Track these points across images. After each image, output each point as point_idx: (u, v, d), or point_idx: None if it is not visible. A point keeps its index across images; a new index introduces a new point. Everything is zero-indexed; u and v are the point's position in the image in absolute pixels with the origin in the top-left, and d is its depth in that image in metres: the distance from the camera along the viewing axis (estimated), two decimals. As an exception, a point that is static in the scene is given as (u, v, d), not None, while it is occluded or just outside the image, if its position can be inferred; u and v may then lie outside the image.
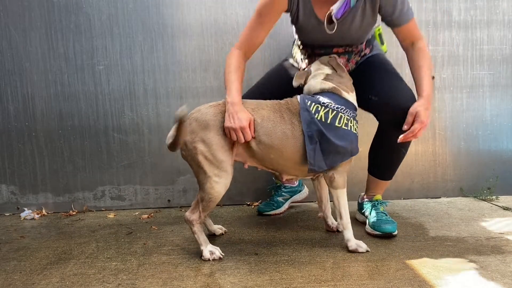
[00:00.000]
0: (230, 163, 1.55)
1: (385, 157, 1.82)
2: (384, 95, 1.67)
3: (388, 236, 1.72)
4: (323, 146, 1.54)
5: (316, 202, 1.87)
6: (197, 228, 1.56)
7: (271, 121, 1.57)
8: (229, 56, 1.70)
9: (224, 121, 1.53)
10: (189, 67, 2.33)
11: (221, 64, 2.32)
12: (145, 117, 2.33)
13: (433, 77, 2.39)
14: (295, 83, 1.72)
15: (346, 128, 1.55)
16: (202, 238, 1.57)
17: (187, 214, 1.58)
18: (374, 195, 1.90)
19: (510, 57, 2.42)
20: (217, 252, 1.55)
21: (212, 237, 1.81)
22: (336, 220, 1.82)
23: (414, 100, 1.62)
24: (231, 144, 1.56)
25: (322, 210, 1.82)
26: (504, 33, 2.40)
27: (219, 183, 1.52)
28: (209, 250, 1.55)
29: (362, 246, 1.58)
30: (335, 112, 1.55)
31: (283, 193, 2.19)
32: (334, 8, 1.61)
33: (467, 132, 2.44)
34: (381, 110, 1.70)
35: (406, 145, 1.76)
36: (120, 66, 2.30)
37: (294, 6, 1.67)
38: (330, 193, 1.66)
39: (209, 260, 1.52)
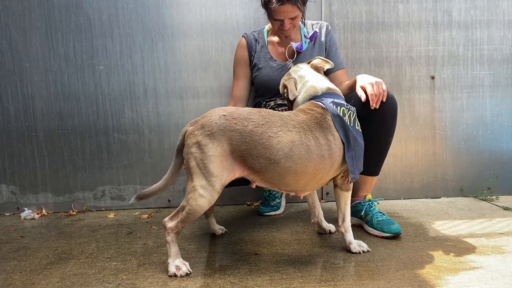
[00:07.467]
0: (222, 181, 1.38)
1: (375, 151, 1.78)
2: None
3: (396, 236, 1.72)
4: (356, 152, 1.47)
5: (308, 207, 1.84)
6: (170, 238, 1.42)
7: (304, 147, 1.40)
8: None
9: (234, 138, 1.38)
10: (189, 67, 2.33)
11: (221, 64, 2.32)
12: (145, 117, 2.33)
13: (433, 77, 2.39)
14: (291, 95, 1.59)
15: (360, 130, 1.52)
16: (173, 250, 1.43)
17: (166, 219, 1.44)
18: (366, 195, 1.88)
19: (510, 57, 2.42)
20: (184, 267, 1.41)
21: (213, 237, 1.81)
22: (330, 223, 1.84)
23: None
24: (235, 164, 1.40)
25: (316, 215, 1.80)
26: (504, 33, 2.40)
27: (204, 197, 1.37)
28: (176, 265, 1.41)
29: (364, 246, 1.58)
30: (354, 115, 1.51)
31: (275, 196, 2.19)
32: (293, 44, 1.96)
33: (467, 132, 2.44)
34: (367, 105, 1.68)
35: (391, 131, 1.76)
36: (120, 66, 2.30)
37: (253, 52, 2.03)
38: (338, 196, 1.58)
39: (175, 275, 1.39)
